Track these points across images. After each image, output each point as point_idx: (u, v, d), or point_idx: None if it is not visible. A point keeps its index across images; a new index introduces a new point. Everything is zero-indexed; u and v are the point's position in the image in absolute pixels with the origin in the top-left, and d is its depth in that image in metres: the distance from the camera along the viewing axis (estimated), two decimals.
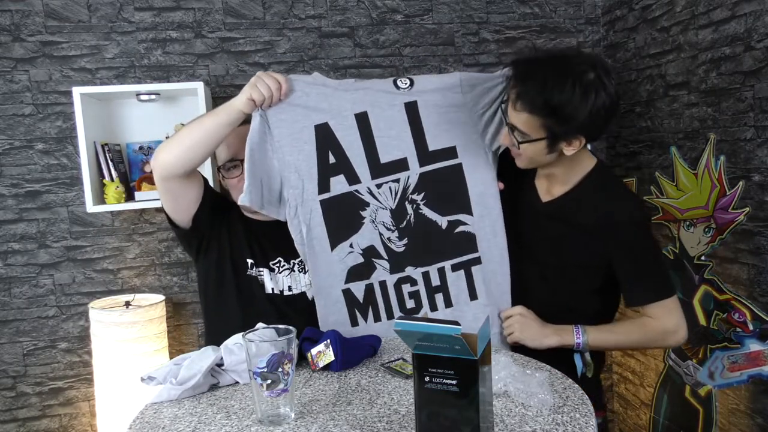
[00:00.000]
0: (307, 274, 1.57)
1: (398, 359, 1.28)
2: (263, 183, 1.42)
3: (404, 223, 1.45)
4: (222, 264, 1.56)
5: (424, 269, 1.45)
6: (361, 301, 1.47)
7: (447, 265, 1.45)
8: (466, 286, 1.46)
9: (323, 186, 1.43)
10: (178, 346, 2.25)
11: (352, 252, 1.45)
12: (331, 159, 1.43)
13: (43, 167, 2.13)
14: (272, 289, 1.55)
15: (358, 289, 1.46)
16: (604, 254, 1.39)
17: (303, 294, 1.57)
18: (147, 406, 1.11)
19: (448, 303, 1.46)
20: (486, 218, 1.46)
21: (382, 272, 1.46)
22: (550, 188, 1.48)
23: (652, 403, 2.19)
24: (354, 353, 1.27)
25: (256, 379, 0.99)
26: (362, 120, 1.43)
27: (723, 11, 1.78)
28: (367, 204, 1.44)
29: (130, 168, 2.15)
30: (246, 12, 2.22)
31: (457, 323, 0.82)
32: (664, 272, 1.43)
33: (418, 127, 1.44)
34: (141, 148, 2.16)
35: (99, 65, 2.14)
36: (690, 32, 1.92)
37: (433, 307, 1.46)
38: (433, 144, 1.44)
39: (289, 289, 1.57)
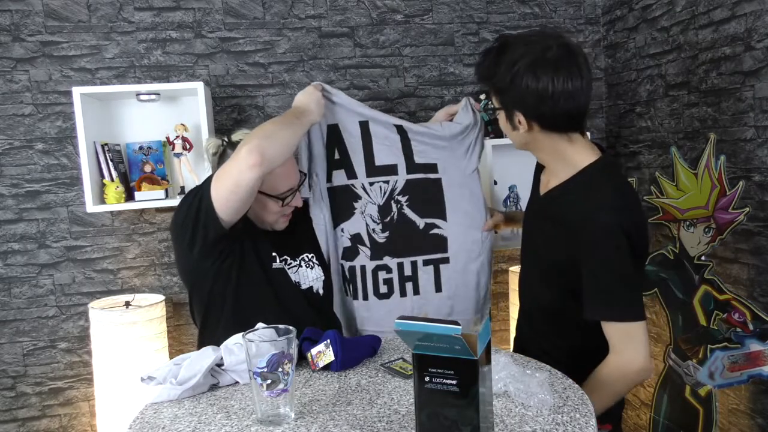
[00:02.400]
0: (313, 269, 1.61)
1: (398, 359, 1.28)
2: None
3: (388, 218, 1.68)
4: (246, 261, 1.49)
5: (399, 260, 1.68)
6: (348, 277, 1.70)
7: (419, 259, 1.68)
8: (433, 279, 1.68)
9: (328, 177, 1.69)
10: (178, 346, 2.25)
11: (343, 236, 1.68)
12: (336, 155, 1.68)
13: (43, 167, 2.13)
14: (296, 281, 1.56)
15: (345, 267, 1.71)
16: (574, 255, 1.26)
17: (310, 288, 1.59)
18: (147, 406, 1.11)
19: (416, 291, 1.68)
20: (458, 226, 1.68)
21: (363, 258, 1.68)
22: (547, 183, 1.44)
23: (652, 403, 2.19)
24: (354, 353, 1.26)
25: (256, 379, 0.99)
26: (364, 127, 1.67)
27: (723, 11, 1.78)
28: (359, 197, 1.68)
29: (130, 168, 2.15)
30: (246, 12, 2.22)
31: (456, 323, 0.82)
32: (632, 294, 1.26)
33: (407, 144, 1.68)
34: (141, 148, 2.16)
35: (99, 65, 2.14)
36: (690, 32, 1.93)
37: (403, 294, 1.67)
38: (419, 159, 1.69)
39: (299, 285, 1.57)
